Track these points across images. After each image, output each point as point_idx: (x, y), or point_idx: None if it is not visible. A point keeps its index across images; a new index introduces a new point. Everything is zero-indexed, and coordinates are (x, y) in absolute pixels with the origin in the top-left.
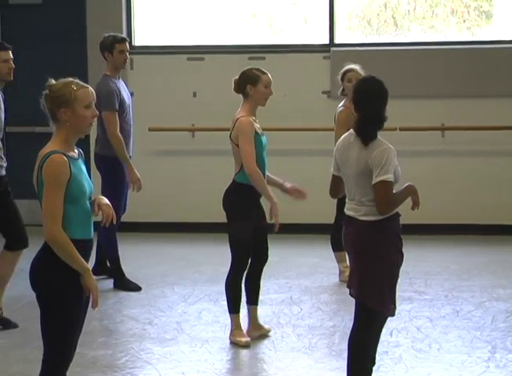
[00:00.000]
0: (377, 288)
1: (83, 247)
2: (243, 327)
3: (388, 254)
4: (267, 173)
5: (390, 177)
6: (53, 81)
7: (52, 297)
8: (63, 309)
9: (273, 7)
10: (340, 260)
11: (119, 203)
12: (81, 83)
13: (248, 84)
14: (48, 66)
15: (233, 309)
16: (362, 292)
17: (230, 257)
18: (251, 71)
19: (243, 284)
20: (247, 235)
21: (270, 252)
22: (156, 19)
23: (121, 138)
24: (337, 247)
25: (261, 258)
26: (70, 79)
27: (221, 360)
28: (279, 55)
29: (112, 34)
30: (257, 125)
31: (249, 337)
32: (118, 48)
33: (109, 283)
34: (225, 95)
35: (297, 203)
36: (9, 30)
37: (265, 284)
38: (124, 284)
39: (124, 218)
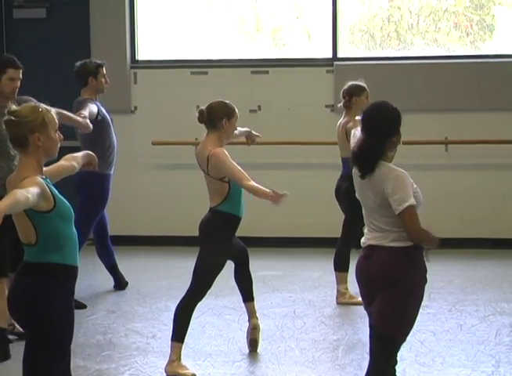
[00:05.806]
0: (403, 320)
1: (74, 274)
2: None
3: (420, 285)
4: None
5: (411, 201)
6: (15, 107)
7: (45, 321)
8: (56, 331)
9: (276, 21)
10: (340, 281)
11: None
12: (46, 106)
13: (224, 117)
14: (52, 81)
15: (178, 336)
16: (390, 324)
17: (220, 273)
18: (227, 105)
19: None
20: (222, 262)
21: (274, 266)
22: (160, 33)
23: None
24: (339, 267)
25: (243, 258)
26: (34, 103)
27: (224, 374)
28: (283, 69)
29: (89, 60)
30: None
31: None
32: (102, 72)
33: (114, 297)
34: None
35: (301, 217)
36: (13, 44)
37: (269, 298)
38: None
39: (128, 231)
